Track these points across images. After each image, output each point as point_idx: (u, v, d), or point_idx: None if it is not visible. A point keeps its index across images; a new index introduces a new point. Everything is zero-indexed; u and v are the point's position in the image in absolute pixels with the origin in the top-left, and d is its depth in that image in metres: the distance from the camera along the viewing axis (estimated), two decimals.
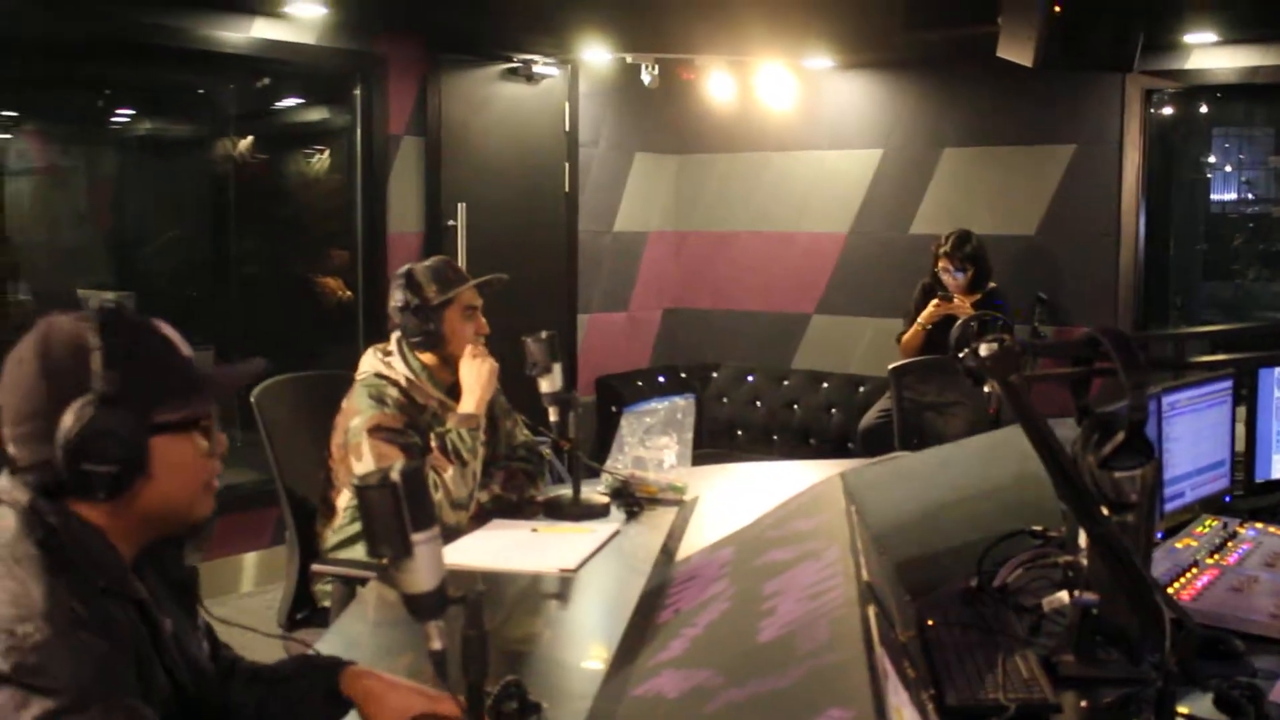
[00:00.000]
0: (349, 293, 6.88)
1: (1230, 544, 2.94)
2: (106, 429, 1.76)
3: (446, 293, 3.67)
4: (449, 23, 6.68)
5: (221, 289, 6.96)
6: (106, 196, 6.99)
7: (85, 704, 1.61)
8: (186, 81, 6.85)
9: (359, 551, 3.36)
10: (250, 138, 7.00)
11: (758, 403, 8.04)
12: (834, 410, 7.75)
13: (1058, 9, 5.18)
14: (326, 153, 7.22)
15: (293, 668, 2.16)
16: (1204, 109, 7.28)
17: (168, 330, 1.91)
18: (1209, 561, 2.80)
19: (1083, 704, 2.03)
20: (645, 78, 7.24)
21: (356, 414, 3.50)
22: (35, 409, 1.78)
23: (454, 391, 3.63)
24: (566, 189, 7.64)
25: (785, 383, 8.01)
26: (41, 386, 1.78)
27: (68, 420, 1.75)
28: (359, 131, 6.65)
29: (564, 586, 3.01)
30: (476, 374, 3.61)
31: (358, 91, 6.62)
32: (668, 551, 3.16)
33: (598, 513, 3.60)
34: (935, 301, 6.46)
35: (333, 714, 2.07)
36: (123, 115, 6.97)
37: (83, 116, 6.80)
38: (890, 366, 5.50)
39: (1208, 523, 3.10)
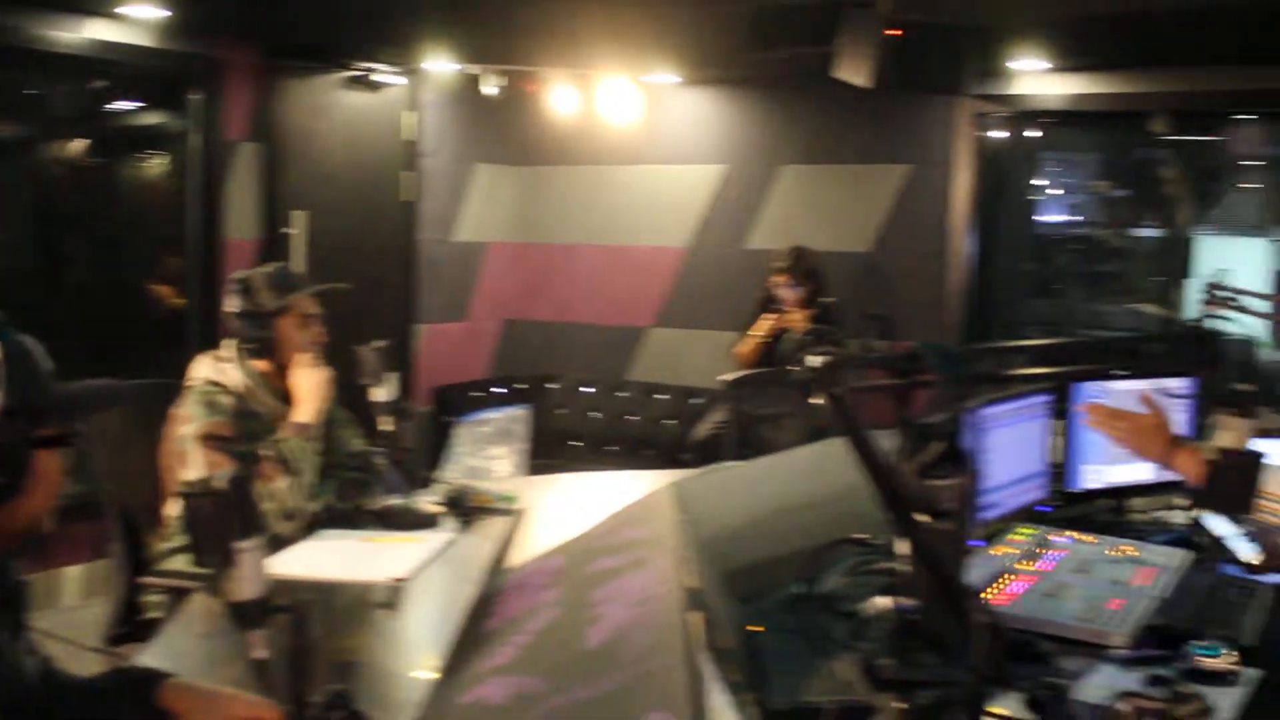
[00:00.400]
0: (182, 300, 6.74)
1: (1044, 551, 3.05)
2: (1, 442, 1.72)
3: (282, 299, 3.63)
4: (289, 28, 6.58)
5: (49, 295, 6.76)
6: None
7: None
8: (15, 81, 6.65)
9: (190, 561, 3.30)
10: (82, 140, 6.82)
11: (594, 414, 8.08)
12: (669, 421, 7.81)
13: (893, 33, 5.32)
14: (162, 157, 7.06)
15: (109, 681, 2.10)
16: (1032, 134, 7.49)
17: (33, 343, 1.87)
18: (1021, 568, 2.90)
19: (899, 705, 2.09)
20: (487, 89, 7.24)
21: (188, 421, 3.45)
22: None
23: (290, 399, 3.60)
24: (407, 198, 7.59)
25: (621, 394, 8.06)
26: None
27: None
28: (196, 136, 6.52)
29: (395, 596, 3.00)
30: (310, 383, 3.59)
31: (195, 96, 6.49)
32: (499, 560, 3.17)
33: (430, 522, 3.59)
34: (770, 315, 6.55)
35: None
36: None
37: None
38: (724, 378, 5.56)
39: (1024, 531, 3.21)
